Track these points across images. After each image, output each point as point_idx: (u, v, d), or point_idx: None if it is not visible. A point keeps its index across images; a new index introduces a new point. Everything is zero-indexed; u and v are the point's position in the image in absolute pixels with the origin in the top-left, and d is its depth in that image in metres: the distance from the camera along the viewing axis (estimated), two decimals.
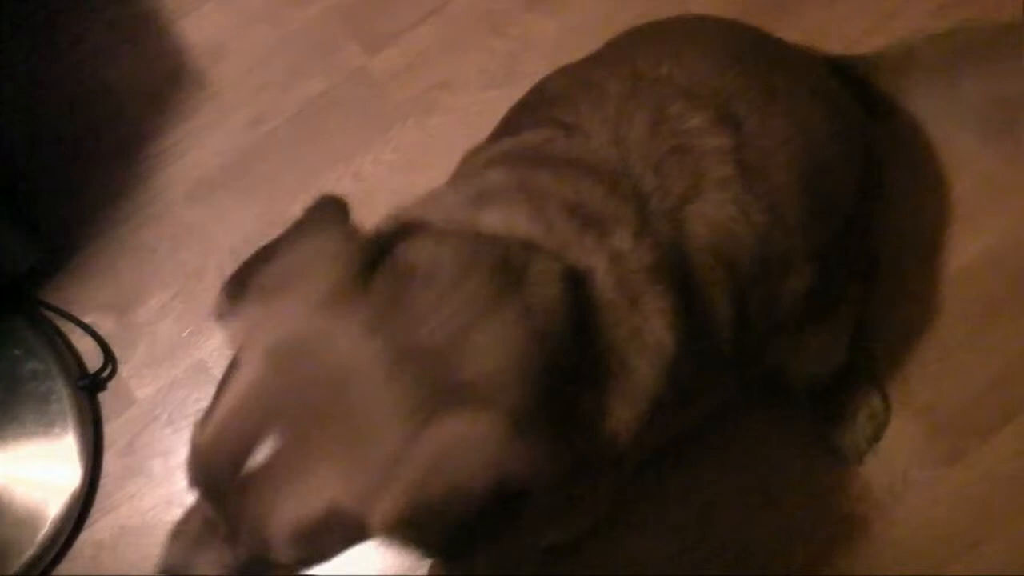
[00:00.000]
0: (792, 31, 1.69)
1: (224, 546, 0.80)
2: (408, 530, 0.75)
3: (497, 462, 0.75)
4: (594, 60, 1.26)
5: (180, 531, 0.84)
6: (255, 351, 0.80)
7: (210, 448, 0.78)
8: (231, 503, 0.77)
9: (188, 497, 1.55)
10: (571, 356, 0.86)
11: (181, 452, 1.60)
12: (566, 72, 1.23)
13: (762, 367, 1.27)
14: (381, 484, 0.74)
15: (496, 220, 0.93)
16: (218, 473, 0.77)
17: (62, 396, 1.58)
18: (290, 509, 0.75)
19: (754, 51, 1.21)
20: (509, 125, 1.20)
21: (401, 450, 0.74)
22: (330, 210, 0.89)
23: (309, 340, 0.80)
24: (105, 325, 1.65)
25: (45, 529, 1.54)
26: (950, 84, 1.42)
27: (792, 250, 1.09)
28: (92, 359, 1.63)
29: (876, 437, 1.54)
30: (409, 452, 0.74)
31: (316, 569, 0.83)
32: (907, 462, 1.55)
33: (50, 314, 1.65)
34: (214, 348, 1.63)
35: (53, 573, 1.57)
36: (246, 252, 1.65)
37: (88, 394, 1.61)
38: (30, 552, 1.54)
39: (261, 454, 0.75)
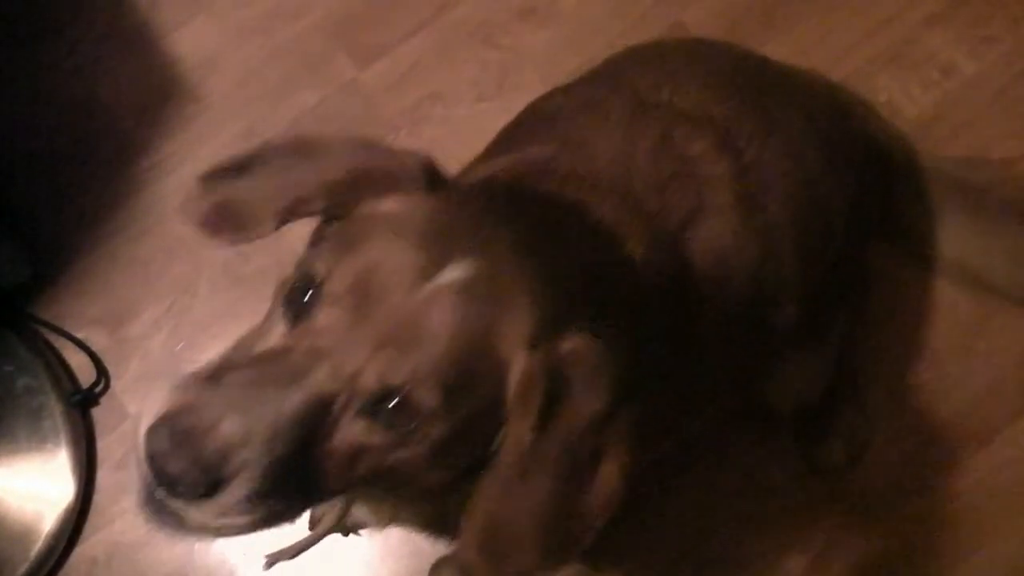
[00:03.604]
0: (786, 39, 1.70)
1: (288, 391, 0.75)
2: (531, 392, 0.77)
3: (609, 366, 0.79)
4: (590, 81, 1.26)
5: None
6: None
7: (381, 263, 0.78)
8: (382, 322, 0.76)
9: None
10: None
11: None
12: (564, 92, 1.23)
13: (749, 391, 1.28)
14: (546, 337, 0.78)
15: None
16: (387, 285, 0.76)
17: (55, 412, 1.57)
18: (474, 329, 0.77)
19: (753, 79, 1.23)
20: (502, 144, 1.20)
21: (556, 322, 0.79)
22: None
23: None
24: (98, 340, 1.64)
25: (39, 545, 1.54)
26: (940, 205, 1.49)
27: (784, 281, 1.10)
28: (85, 374, 1.63)
29: (858, 456, 1.54)
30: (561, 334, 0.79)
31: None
32: (900, 471, 1.55)
33: (43, 329, 1.64)
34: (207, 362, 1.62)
35: None
36: (240, 266, 1.66)
37: (81, 409, 1.61)
38: (24, 568, 1.53)
39: (450, 275, 0.77)
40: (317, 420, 0.75)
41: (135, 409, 1.62)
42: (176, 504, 0.74)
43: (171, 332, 1.65)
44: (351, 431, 0.76)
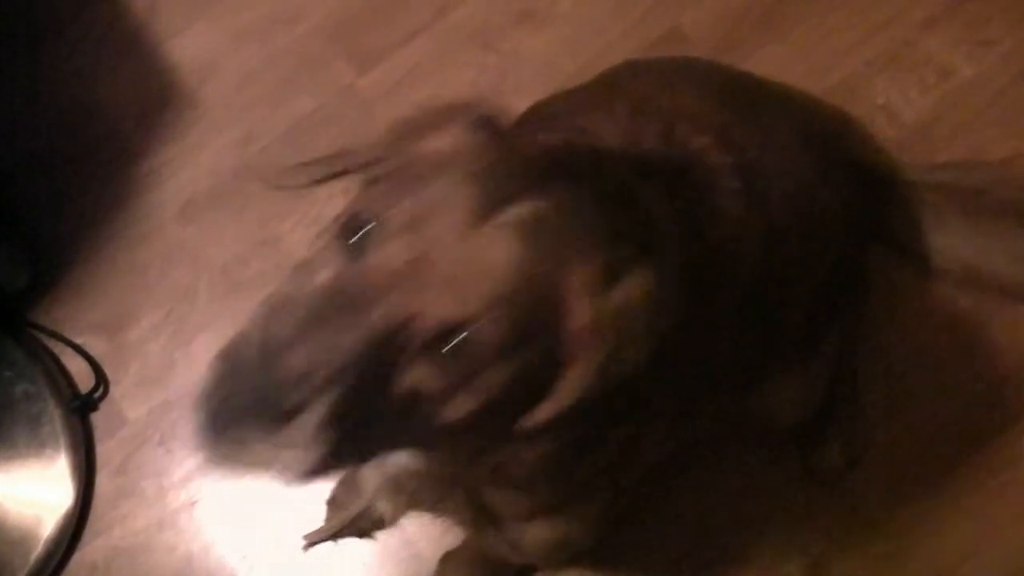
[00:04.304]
0: (783, 42, 1.71)
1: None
2: (592, 344, 0.77)
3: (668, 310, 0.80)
4: (589, 87, 1.27)
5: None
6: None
7: (442, 199, 0.76)
8: (445, 258, 0.74)
9: (180, 518, 1.56)
10: None
11: (174, 472, 1.60)
12: (564, 96, 1.24)
13: (749, 393, 1.29)
14: (608, 286, 0.77)
15: None
16: (449, 220, 0.75)
17: (54, 418, 1.57)
18: (538, 269, 0.75)
19: (746, 90, 1.24)
20: None
21: (616, 271, 0.78)
22: None
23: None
24: (97, 346, 1.64)
25: (38, 551, 1.54)
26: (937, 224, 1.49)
27: (788, 279, 1.11)
28: (84, 380, 1.63)
29: (857, 458, 1.54)
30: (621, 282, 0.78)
31: None
32: (899, 475, 1.54)
33: (41, 335, 1.64)
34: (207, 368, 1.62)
35: None
36: (238, 271, 1.67)
37: (80, 415, 1.61)
38: (23, 573, 1.53)
39: (513, 213, 0.75)
40: (381, 356, 0.73)
41: (134, 415, 1.62)
42: (241, 436, 0.71)
43: (170, 337, 1.65)
44: (411, 374, 0.74)
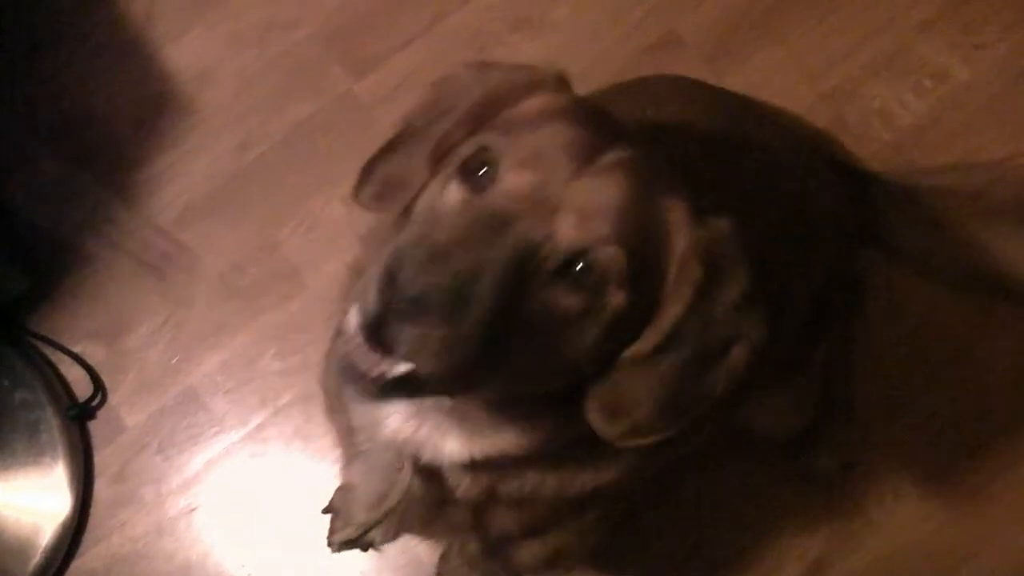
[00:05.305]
0: (779, 47, 1.71)
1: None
2: (692, 268, 0.82)
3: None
4: None
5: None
6: None
7: (551, 141, 0.83)
8: (563, 189, 0.80)
9: (178, 525, 1.55)
10: None
11: (172, 479, 1.59)
12: None
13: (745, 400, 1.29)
14: (700, 219, 0.84)
15: None
16: (561, 158, 0.81)
17: (52, 425, 1.57)
18: (644, 201, 0.82)
19: (730, 104, 1.27)
20: None
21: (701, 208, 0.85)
22: None
23: None
24: (95, 353, 1.64)
25: (36, 559, 1.53)
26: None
27: (782, 287, 1.11)
28: (82, 387, 1.63)
29: (852, 462, 1.54)
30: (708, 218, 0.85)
31: None
32: (898, 477, 1.55)
33: (39, 343, 1.64)
34: (204, 375, 1.62)
35: None
36: (236, 278, 1.66)
37: (78, 423, 1.61)
38: None
39: (615, 155, 0.82)
40: (518, 275, 0.76)
41: (132, 422, 1.62)
42: (408, 326, 0.74)
43: (168, 344, 1.65)
44: (543, 293, 0.78)
